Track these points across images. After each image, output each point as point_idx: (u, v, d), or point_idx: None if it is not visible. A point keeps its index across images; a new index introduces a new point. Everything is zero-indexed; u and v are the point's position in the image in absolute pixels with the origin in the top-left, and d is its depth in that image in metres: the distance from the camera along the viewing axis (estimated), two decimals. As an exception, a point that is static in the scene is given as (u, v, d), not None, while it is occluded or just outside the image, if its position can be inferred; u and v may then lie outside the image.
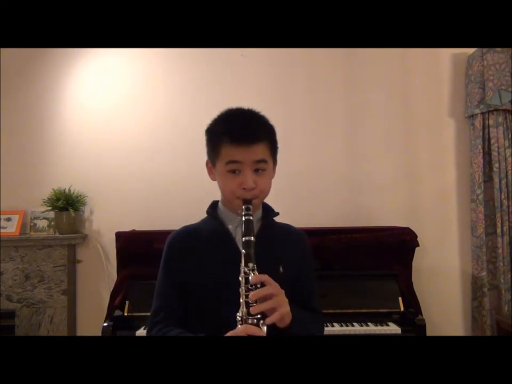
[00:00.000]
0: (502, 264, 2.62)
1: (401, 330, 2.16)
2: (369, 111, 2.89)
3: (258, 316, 0.94)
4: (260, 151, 1.08)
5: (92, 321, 2.72)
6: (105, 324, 2.21)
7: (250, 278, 0.96)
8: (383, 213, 2.82)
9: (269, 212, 1.21)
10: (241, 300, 0.95)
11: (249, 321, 0.93)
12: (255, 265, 0.98)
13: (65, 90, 2.96)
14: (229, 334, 0.93)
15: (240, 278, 0.97)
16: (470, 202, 2.77)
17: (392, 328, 2.18)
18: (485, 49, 2.63)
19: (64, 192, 2.78)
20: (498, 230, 2.63)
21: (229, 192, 1.10)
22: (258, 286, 0.96)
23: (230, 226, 1.14)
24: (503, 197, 2.64)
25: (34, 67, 2.95)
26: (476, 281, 2.70)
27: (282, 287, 1.01)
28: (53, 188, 2.80)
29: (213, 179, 1.17)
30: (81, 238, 2.84)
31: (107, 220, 2.87)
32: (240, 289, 0.96)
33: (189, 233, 1.18)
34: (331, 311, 2.27)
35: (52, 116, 2.95)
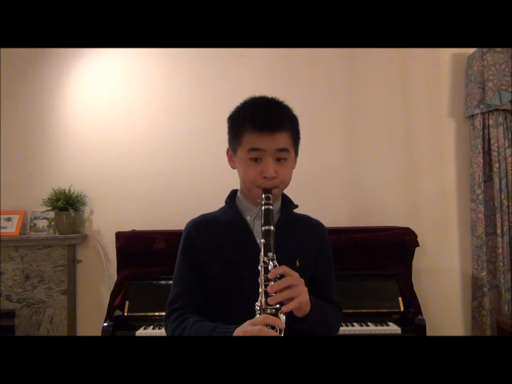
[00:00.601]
0: (502, 264, 2.62)
1: (401, 330, 2.16)
2: (369, 111, 2.89)
3: (277, 306, 0.93)
4: (282, 139, 1.07)
5: (92, 321, 2.72)
6: (105, 324, 2.21)
7: (269, 267, 0.95)
8: (383, 213, 2.83)
9: (288, 203, 1.20)
10: (260, 290, 0.94)
11: (268, 311, 0.92)
12: (274, 255, 0.97)
13: (65, 90, 2.96)
14: (248, 322, 0.92)
15: (259, 267, 0.96)
16: (470, 202, 2.77)
17: (392, 328, 2.18)
18: (485, 49, 2.63)
19: (64, 192, 2.78)
20: (498, 230, 2.63)
21: (249, 181, 1.09)
22: (278, 277, 0.95)
23: (248, 217, 1.14)
24: (503, 197, 2.64)
25: (34, 67, 2.95)
26: (476, 281, 2.70)
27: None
28: (53, 188, 2.80)
29: (233, 167, 1.16)
30: (81, 238, 2.84)
31: (107, 220, 2.87)
32: (259, 279, 0.95)
33: (207, 222, 1.17)
34: (331, 311, 2.27)
35: (52, 116, 2.95)
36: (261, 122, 1.06)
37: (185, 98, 2.92)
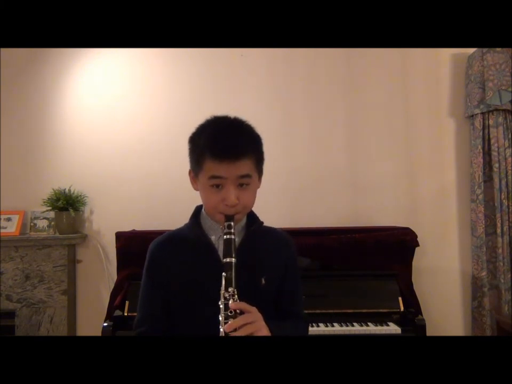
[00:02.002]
0: (502, 264, 2.62)
1: (401, 330, 2.16)
2: (369, 111, 2.89)
3: None
4: (244, 166, 1.04)
5: (92, 321, 2.72)
6: (105, 324, 2.21)
7: (229, 304, 0.95)
8: (383, 213, 2.82)
9: (253, 220, 1.18)
10: (220, 328, 0.94)
11: None
12: (235, 290, 0.96)
13: (65, 90, 2.96)
14: None
15: (219, 304, 0.96)
16: (470, 202, 2.77)
17: (392, 328, 2.17)
18: (485, 49, 2.63)
19: (64, 192, 2.78)
20: (498, 230, 2.63)
21: (211, 207, 1.09)
22: (238, 311, 0.95)
23: (213, 237, 1.12)
24: (503, 197, 2.64)
25: (34, 67, 2.95)
26: (476, 281, 2.70)
27: (263, 298, 1.01)
28: (53, 188, 2.80)
29: (196, 189, 1.15)
30: (81, 238, 2.84)
31: (107, 220, 2.87)
32: (219, 316, 0.95)
33: (171, 241, 1.17)
34: (331, 311, 2.27)
35: (52, 116, 2.95)
36: (222, 151, 1.02)
37: (185, 98, 2.92)
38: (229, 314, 0.94)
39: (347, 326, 2.19)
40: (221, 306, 0.96)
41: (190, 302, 1.08)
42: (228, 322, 0.93)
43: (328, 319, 2.24)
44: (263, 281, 1.10)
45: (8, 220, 2.81)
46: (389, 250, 2.48)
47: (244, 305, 0.96)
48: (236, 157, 1.02)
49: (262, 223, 1.18)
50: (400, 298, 2.31)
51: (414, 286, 2.49)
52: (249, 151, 1.06)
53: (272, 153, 2.88)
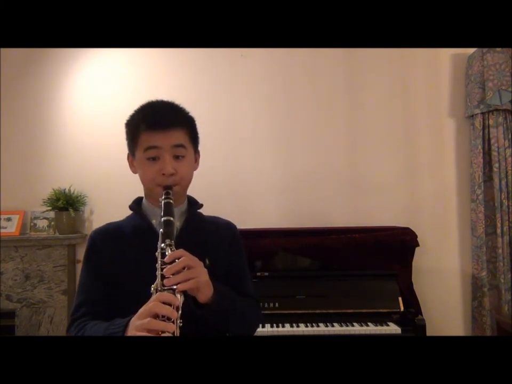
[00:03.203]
0: (502, 264, 2.62)
1: (401, 330, 2.16)
2: (369, 111, 2.89)
3: (174, 287, 0.90)
4: (177, 135, 1.08)
5: (91, 321, 2.71)
6: (105, 324, 2.20)
7: (167, 253, 0.94)
8: (383, 213, 2.82)
9: (193, 203, 1.20)
10: (157, 273, 0.92)
11: (165, 291, 0.90)
12: (172, 241, 0.96)
13: (65, 90, 2.96)
14: (144, 306, 0.89)
15: (156, 254, 0.95)
16: (470, 202, 2.77)
17: (392, 328, 2.18)
18: (485, 49, 2.63)
19: (64, 192, 2.78)
20: (498, 230, 2.63)
21: (149, 180, 1.10)
22: (175, 261, 0.93)
23: (153, 221, 1.12)
24: (503, 197, 2.64)
25: (34, 67, 2.95)
26: (476, 281, 2.70)
27: (211, 279, 0.99)
28: (53, 188, 2.80)
29: (134, 172, 1.18)
30: (81, 238, 2.84)
31: (107, 220, 2.84)
32: (156, 264, 0.93)
33: (111, 229, 1.19)
34: (331, 311, 2.27)
35: (52, 116, 2.95)
36: (154, 121, 1.08)
37: (185, 98, 2.89)
38: (165, 262, 0.92)
39: (347, 326, 2.19)
40: (157, 255, 0.94)
41: (133, 287, 1.04)
42: (163, 268, 0.91)
43: (328, 319, 2.24)
44: (207, 262, 1.08)
45: (8, 220, 2.81)
46: (389, 250, 2.48)
47: (181, 252, 0.94)
48: (168, 125, 1.08)
49: (202, 205, 1.20)
50: (400, 298, 2.32)
51: (414, 286, 2.49)
52: (181, 123, 1.11)
53: (272, 153, 2.91)
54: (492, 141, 2.67)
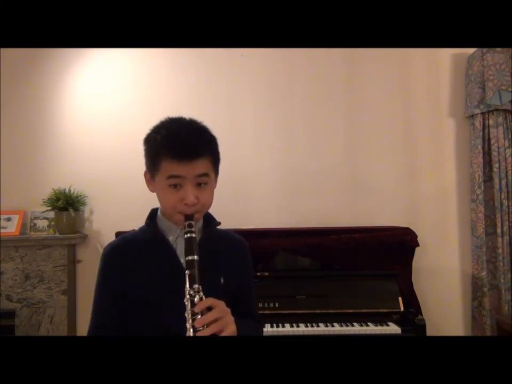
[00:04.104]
0: (502, 264, 2.62)
1: (401, 330, 2.16)
2: (369, 111, 2.89)
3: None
4: (201, 165, 1.04)
5: (92, 321, 2.71)
6: (105, 324, 2.20)
7: (195, 300, 0.93)
8: (383, 213, 2.82)
9: (210, 221, 1.17)
10: (187, 325, 0.92)
11: None
12: (200, 287, 0.95)
13: (65, 90, 2.95)
14: None
15: (185, 301, 0.94)
16: (470, 202, 2.77)
17: (392, 328, 2.18)
18: (485, 49, 2.63)
19: (64, 192, 2.78)
20: (498, 230, 2.63)
21: (169, 207, 1.06)
22: (205, 309, 0.94)
23: (170, 238, 1.10)
24: (503, 197, 2.64)
25: (34, 67, 2.95)
26: (476, 281, 2.70)
27: (223, 298, 0.99)
28: (53, 188, 2.80)
29: (152, 190, 1.13)
30: (81, 238, 2.84)
31: (107, 220, 2.87)
32: (186, 313, 0.93)
33: (126, 245, 1.15)
34: (331, 311, 2.27)
35: (52, 116, 2.95)
36: (179, 151, 1.02)
37: (185, 98, 2.91)
38: (195, 311, 0.92)
39: (347, 326, 2.19)
40: (186, 303, 0.94)
41: (149, 305, 1.05)
42: (195, 319, 0.92)
43: (328, 319, 2.24)
44: (222, 281, 1.10)
45: (8, 220, 2.81)
46: (389, 250, 2.48)
47: (212, 301, 0.95)
48: (194, 156, 1.02)
49: (219, 223, 1.18)
50: (400, 298, 2.31)
51: (414, 286, 2.49)
52: (206, 151, 1.06)
53: (272, 153, 2.91)
54: (492, 141, 2.67)
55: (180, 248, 1.07)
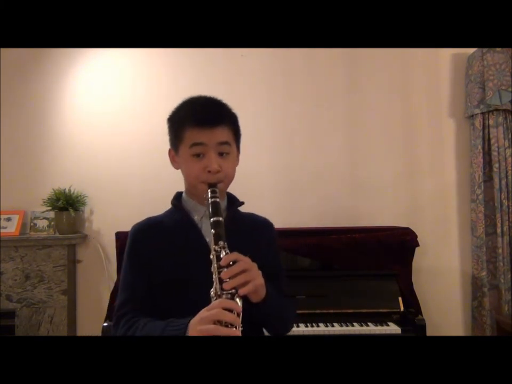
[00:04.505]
0: (502, 264, 2.62)
1: (401, 330, 2.16)
2: (369, 111, 2.89)
3: (233, 291, 0.92)
4: (223, 133, 1.08)
5: (92, 321, 2.72)
6: (105, 324, 2.21)
7: (221, 255, 0.95)
8: (383, 213, 2.82)
9: (233, 201, 1.20)
10: (214, 277, 0.93)
11: (224, 296, 0.91)
12: (225, 243, 0.96)
13: (65, 91, 2.95)
14: (204, 309, 0.91)
15: (211, 256, 0.96)
16: (470, 202, 2.77)
17: (392, 328, 2.18)
18: (485, 49, 2.63)
19: (64, 192, 2.78)
20: (498, 230, 2.63)
21: (193, 177, 1.09)
22: (230, 264, 0.94)
23: (195, 217, 1.13)
24: (503, 197, 2.64)
25: (34, 67, 2.95)
26: (476, 281, 2.70)
27: None
28: (53, 188, 2.80)
29: (176, 167, 1.17)
30: (81, 238, 2.84)
31: (107, 220, 2.87)
32: (212, 267, 0.94)
33: (152, 225, 1.18)
34: (331, 311, 2.27)
35: (52, 116, 2.95)
36: (201, 117, 1.07)
37: (185, 97, 2.91)
38: (221, 265, 0.93)
39: (347, 326, 2.19)
40: (212, 258, 0.95)
41: (176, 282, 1.07)
42: (221, 271, 0.93)
43: (328, 319, 2.24)
44: None
45: (8, 220, 2.81)
46: (389, 250, 2.48)
47: (236, 255, 0.95)
48: (215, 123, 1.07)
49: (243, 203, 1.21)
50: (400, 298, 2.32)
51: (414, 286, 2.49)
52: (226, 119, 1.11)
53: (272, 153, 2.91)
54: (492, 141, 2.67)
55: (205, 228, 1.10)
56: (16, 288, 2.73)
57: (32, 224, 2.83)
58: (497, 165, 2.65)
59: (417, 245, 2.51)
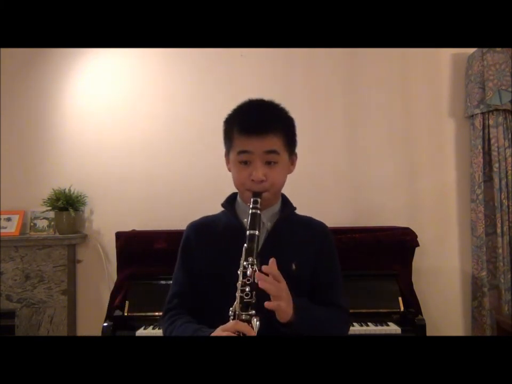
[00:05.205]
0: (502, 264, 2.62)
1: (401, 330, 2.16)
2: (369, 111, 2.89)
3: (252, 312, 0.92)
4: (271, 142, 1.07)
5: (92, 321, 2.72)
6: (105, 324, 2.21)
7: (248, 272, 0.95)
8: (383, 213, 2.82)
9: (286, 205, 1.19)
10: (236, 294, 0.94)
11: (242, 316, 0.92)
12: (254, 260, 0.96)
13: (65, 90, 2.95)
14: (219, 329, 0.92)
15: (238, 272, 0.96)
16: (470, 202, 2.77)
17: (392, 328, 2.17)
18: (485, 49, 2.63)
19: (64, 192, 2.78)
20: (498, 230, 2.63)
21: (239, 183, 1.10)
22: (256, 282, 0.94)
23: (245, 220, 1.10)
24: (503, 197, 2.64)
25: (34, 67, 2.95)
26: (476, 281, 2.70)
27: (294, 284, 1.00)
28: (53, 188, 2.80)
29: (228, 170, 1.17)
30: (81, 238, 2.84)
31: (107, 220, 2.87)
32: (237, 284, 0.95)
33: (206, 225, 1.19)
34: (331, 311, 2.27)
35: (52, 116, 2.95)
36: (249, 125, 1.06)
37: (185, 98, 2.92)
38: (247, 282, 0.94)
39: (347, 326, 2.19)
40: (239, 274, 0.96)
41: (221, 279, 1.07)
42: (244, 290, 0.93)
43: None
44: (294, 267, 1.09)
45: (8, 220, 2.81)
46: (389, 250, 2.48)
47: (267, 271, 0.94)
48: (262, 131, 1.05)
49: (295, 208, 1.21)
50: (400, 298, 2.31)
51: (414, 286, 2.49)
52: (277, 128, 1.09)
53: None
54: (492, 141, 2.67)
55: None
56: (16, 288, 2.73)
57: (32, 224, 2.83)
58: (497, 165, 2.65)
59: (417, 245, 2.51)
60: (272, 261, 0.97)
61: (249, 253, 0.97)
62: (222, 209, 1.21)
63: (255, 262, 0.96)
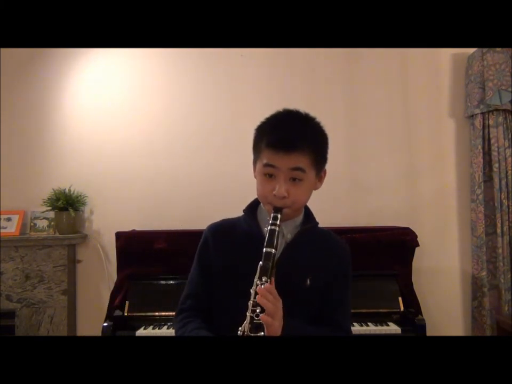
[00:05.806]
0: (502, 264, 2.62)
1: (401, 330, 2.16)
2: (369, 110, 2.89)
3: (261, 334, 0.92)
4: (297, 159, 1.04)
5: (92, 321, 2.71)
6: (105, 324, 2.21)
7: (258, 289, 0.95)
8: (383, 213, 2.82)
9: (309, 218, 1.18)
10: (247, 313, 0.93)
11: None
12: (268, 280, 0.96)
13: (65, 90, 2.95)
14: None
15: (251, 291, 0.96)
16: (470, 202, 2.77)
17: (392, 328, 2.17)
18: (485, 49, 2.63)
19: (64, 192, 2.78)
20: (498, 230, 2.63)
21: (261, 196, 1.10)
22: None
23: (265, 229, 1.08)
24: (503, 197, 2.64)
25: (34, 67, 2.95)
26: (476, 281, 2.70)
27: (305, 299, 1.02)
28: (53, 188, 2.80)
29: (255, 177, 1.16)
30: (81, 238, 2.84)
31: (107, 220, 2.87)
32: (249, 302, 0.95)
33: (225, 229, 1.18)
34: (331, 311, 2.27)
35: (52, 116, 2.94)
36: (277, 140, 1.04)
37: (185, 98, 2.91)
38: (258, 303, 0.94)
39: (347, 326, 2.19)
40: (252, 293, 0.96)
41: (228, 289, 1.09)
42: (255, 310, 0.93)
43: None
44: (308, 282, 1.09)
45: (8, 219, 2.81)
46: (389, 250, 2.48)
47: (269, 290, 0.95)
48: (290, 149, 1.03)
49: (317, 223, 1.19)
50: (400, 298, 2.31)
51: (414, 286, 2.48)
52: (306, 146, 1.06)
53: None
54: (492, 141, 2.67)
55: None
56: (16, 288, 2.72)
57: (32, 224, 2.83)
58: (497, 165, 2.65)
59: (417, 245, 2.51)
60: (272, 282, 0.97)
61: (263, 272, 0.97)
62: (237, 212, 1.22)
63: (269, 282, 0.96)
